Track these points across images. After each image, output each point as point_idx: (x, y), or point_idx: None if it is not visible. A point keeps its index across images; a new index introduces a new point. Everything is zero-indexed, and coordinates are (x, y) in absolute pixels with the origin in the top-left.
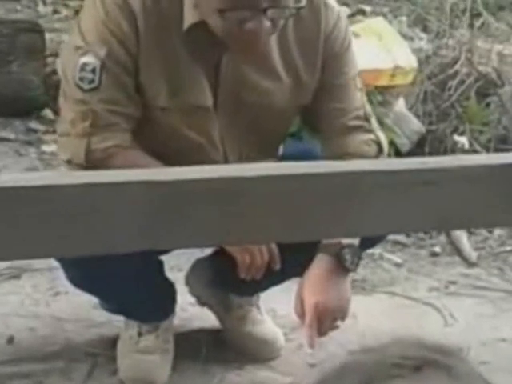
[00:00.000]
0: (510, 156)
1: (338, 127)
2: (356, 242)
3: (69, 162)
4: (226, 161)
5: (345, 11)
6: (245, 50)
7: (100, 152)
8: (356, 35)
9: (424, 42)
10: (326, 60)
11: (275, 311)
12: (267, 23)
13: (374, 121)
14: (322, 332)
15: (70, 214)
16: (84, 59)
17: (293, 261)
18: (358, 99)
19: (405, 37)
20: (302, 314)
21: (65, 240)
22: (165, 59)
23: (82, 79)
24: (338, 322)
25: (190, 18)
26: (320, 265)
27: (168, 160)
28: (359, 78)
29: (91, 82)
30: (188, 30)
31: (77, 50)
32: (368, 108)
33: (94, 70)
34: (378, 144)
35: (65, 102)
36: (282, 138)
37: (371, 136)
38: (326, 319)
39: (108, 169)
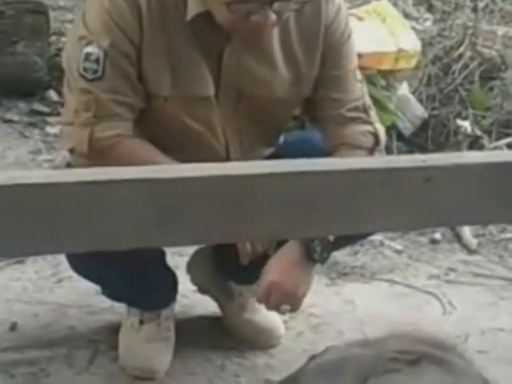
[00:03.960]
0: (509, 154)
1: (336, 117)
2: (331, 236)
3: (72, 151)
4: (226, 150)
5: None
6: (248, 41)
7: (103, 141)
8: (359, 18)
9: (429, 23)
10: (326, 51)
11: None
12: (273, 16)
13: (373, 113)
14: (267, 308)
15: (73, 211)
16: (88, 49)
17: None
18: (357, 90)
19: (409, 17)
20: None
21: (67, 237)
22: (168, 49)
23: (85, 69)
24: (287, 307)
25: (194, 8)
26: (289, 251)
27: (170, 149)
28: (359, 70)
29: (95, 72)
30: (191, 20)
31: (81, 40)
32: (368, 100)
33: (97, 60)
34: (375, 136)
35: (69, 91)
36: (283, 128)
37: (369, 127)
38: (275, 297)
39: (111, 158)
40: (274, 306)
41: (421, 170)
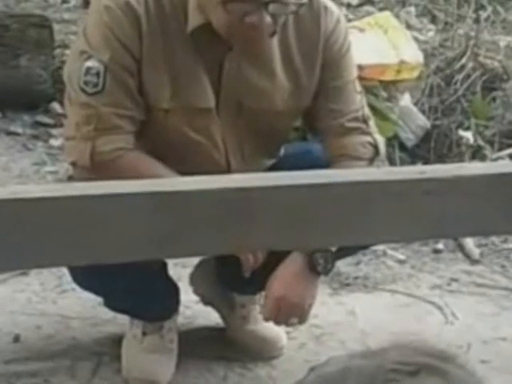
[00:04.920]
0: (508, 165)
1: (335, 128)
2: (333, 247)
3: (74, 165)
4: (227, 161)
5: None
6: (246, 45)
7: (104, 155)
8: (361, 30)
9: (432, 34)
10: (325, 63)
11: None
12: (268, 18)
13: (372, 123)
14: (276, 322)
15: (76, 224)
16: (88, 63)
17: None
18: (357, 101)
19: (412, 28)
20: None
21: (70, 250)
22: (168, 61)
23: (86, 83)
24: (295, 320)
25: (194, 20)
26: (292, 264)
27: (171, 161)
28: (358, 81)
29: (95, 85)
30: (192, 33)
31: (81, 55)
32: (367, 110)
33: (98, 74)
34: (375, 147)
35: (70, 105)
36: (284, 139)
37: (368, 138)
38: (283, 311)
39: (113, 171)
40: (283, 321)
41: (420, 182)
